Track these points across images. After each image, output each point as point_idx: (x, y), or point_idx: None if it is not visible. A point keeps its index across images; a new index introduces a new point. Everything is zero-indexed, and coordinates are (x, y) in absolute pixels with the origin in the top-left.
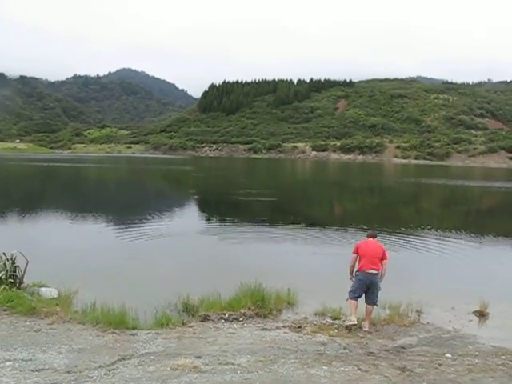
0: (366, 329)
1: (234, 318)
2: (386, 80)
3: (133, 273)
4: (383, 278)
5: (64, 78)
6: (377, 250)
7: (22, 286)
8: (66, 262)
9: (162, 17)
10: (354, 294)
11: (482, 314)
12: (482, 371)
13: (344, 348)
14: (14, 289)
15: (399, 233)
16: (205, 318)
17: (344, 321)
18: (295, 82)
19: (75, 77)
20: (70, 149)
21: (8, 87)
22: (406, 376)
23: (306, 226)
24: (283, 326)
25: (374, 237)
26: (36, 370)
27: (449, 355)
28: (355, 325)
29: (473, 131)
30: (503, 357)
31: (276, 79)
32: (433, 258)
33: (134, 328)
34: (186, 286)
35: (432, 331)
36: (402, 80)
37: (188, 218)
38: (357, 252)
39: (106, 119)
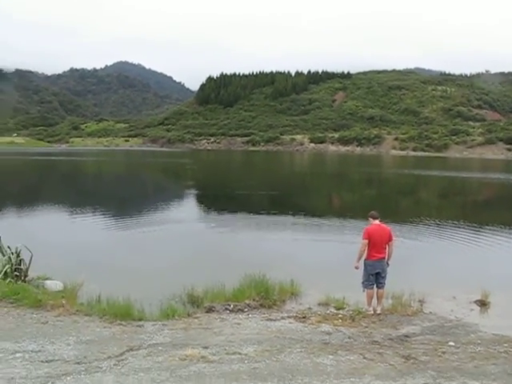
0: (379, 312)
1: (239, 309)
2: (384, 71)
3: (136, 264)
4: (391, 259)
5: (60, 72)
6: (386, 236)
7: (27, 279)
8: (70, 255)
9: (158, 8)
10: (370, 283)
11: (483, 303)
12: (485, 358)
13: (349, 337)
14: (20, 282)
15: (399, 223)
16: (210, 309)
17: (348, 311)
18: (293, 74)
19: (72, 70)
20: (67, 142)
21: (4, 81)
22: (410, 364)
23: (306, 216)
24: (288, 317)
25: (378, 218)
26: (46, 361)
27: (452, 343)
28: (373, 314)
29: (471, 123)
30: (505, 344)
31: (274, 71)
32: (432, 247)
33: (140, 319)
34: (189, 276)
35: (435, 320)
36: (399, 71)
37: (188, 210)
38: (368, 238)
39: (103, 112)
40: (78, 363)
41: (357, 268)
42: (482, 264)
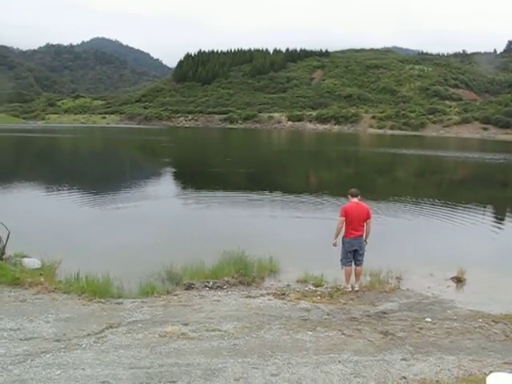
0: (357, 288)
1: (218, 286)
2: (362, 50)
3: (114, 242)
4: (368, 237)
5: (36, 47)
6: (363, 214)
7: (3, 256)
8: (48, 233)
9: None
10: (348, 261)
11: (459, 280)
12: (461, 334)
13: (327, 314)
14: None
15: (375, 200)
16: (189, 287)
17: (326, 288)
18: (271, 52)
19: (48, 46)
20: (43, 119)
21: None
22: (388, 340)
23: (284, 194)
24: (267, 294)
25: (357, 196)
26: (25, 339)
27: (429, 319)
28: (352, 291)
29: (447, 102)
30: (480, 320)
31: (252, 49)
32: (409, 225)
33: (119, 297)
34: (168, 254)
35: (412, 297)
36: (377, 50)
37: (166, 187)
38: (345, 215)
39: (79, 89)
40: (58, 341)
41: (334, 245)
42: (457, 241)
